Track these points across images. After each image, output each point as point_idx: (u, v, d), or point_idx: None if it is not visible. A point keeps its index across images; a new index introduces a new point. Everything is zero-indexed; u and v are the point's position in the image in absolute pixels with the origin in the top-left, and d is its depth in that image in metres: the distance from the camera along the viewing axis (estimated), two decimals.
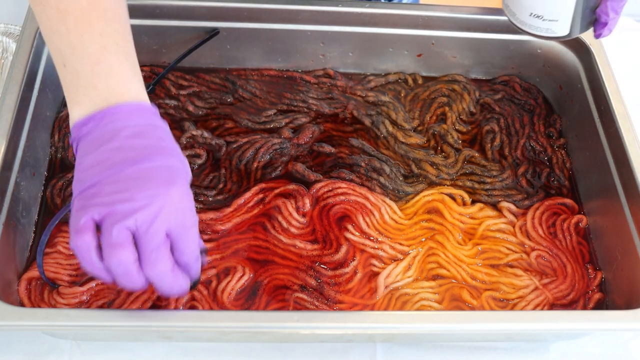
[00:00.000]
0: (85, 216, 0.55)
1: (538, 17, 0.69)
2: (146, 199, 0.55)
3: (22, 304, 0.73)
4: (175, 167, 0.59)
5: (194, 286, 0.62)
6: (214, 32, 0.93)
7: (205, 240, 0.79)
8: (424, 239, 0.83)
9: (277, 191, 0.84)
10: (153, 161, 0.57)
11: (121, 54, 0.61)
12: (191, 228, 0.59)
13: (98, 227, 0.56)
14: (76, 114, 0.60)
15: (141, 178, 0.56)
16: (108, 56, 0.60)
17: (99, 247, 0.56)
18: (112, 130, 0.58)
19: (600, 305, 0.79)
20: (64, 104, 0.90)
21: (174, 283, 0.58)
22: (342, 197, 0.84)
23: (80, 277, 0.76)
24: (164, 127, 0.62)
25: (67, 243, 0.77)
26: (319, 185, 0.85)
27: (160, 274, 0.56)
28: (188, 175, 0.61)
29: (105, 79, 0.60)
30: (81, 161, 0.58)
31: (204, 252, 0.63)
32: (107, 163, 0.57)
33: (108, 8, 0.62)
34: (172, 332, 0.71)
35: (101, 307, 0.73)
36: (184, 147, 0.87)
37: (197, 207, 0.81)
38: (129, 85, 0.61)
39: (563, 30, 0.70)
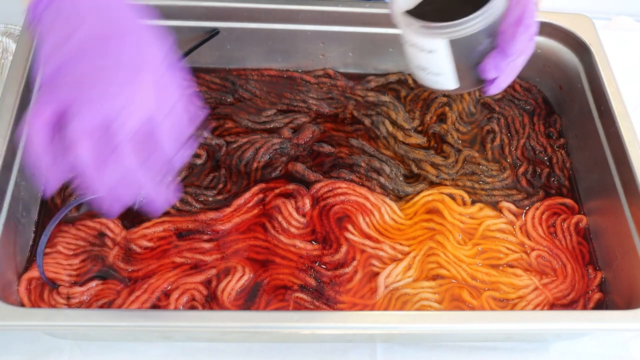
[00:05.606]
0: (50, 104, 0.50)
1: (423, 69, 0.66)
2: (110, 93, 0.50)
3: (22, 304, 0.73)
4: (146, 47, 0.53)
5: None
6: (214, 32, 0.93)
7: (205, 240, 0.79)
8: (424, 239, 0.83)
9: (277, 191, 0.84)
10: (118, 45, 0.52)
11: None
12: (167, 117, 0.52)
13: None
14: None
15: (106, 69, 0.51)
16: None
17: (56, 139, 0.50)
18: (72, 5, 0.53)
19: (600, 305, 0.79)
20: None
21: (144, 186, 0.52)
22: (342, 197, 0.84)
23: (81, 277, 0.76)
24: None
25: (68, 243, 0.77)
26: (318, 185, 0.85)
27: (124, 173, 0.50)
28: (161, 53, 0.54)
29: None
30: (45, 42, 0.53)
31: (201, 132, 0.55)
32: (70, 47, 0.51)
33: None
34: (172, 332, 0.71)
35: (101, 307, 0.73)
36: None
37: (197, 207, 0.82)
38: None
39: (450, 84, 0.66)
